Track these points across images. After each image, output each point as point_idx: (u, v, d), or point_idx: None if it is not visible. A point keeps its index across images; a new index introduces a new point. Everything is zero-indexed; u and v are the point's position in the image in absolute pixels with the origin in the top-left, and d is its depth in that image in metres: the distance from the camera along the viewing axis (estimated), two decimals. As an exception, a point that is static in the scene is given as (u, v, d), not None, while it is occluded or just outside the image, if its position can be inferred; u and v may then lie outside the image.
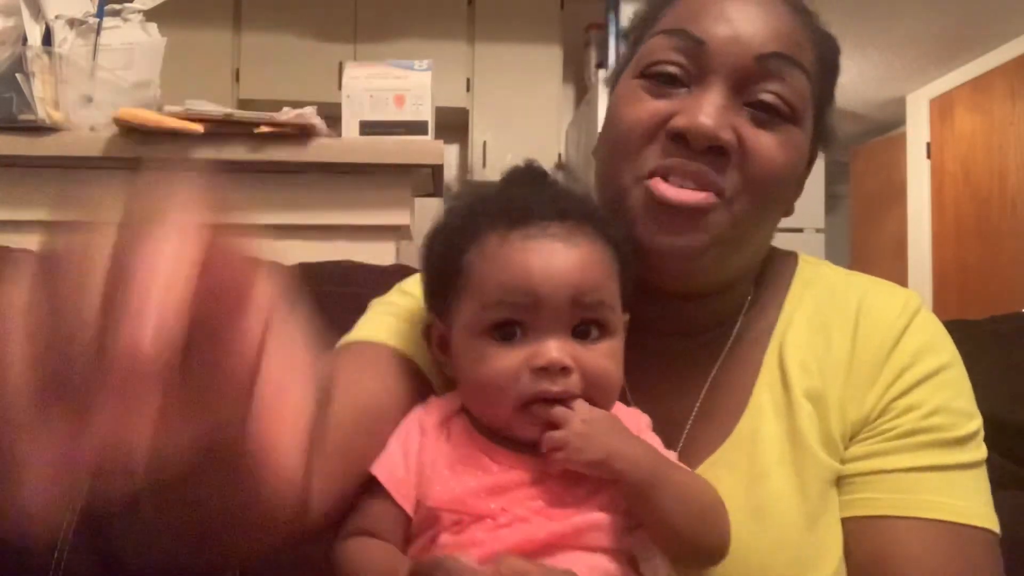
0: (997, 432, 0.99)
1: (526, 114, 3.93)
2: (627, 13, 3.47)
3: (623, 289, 0.60)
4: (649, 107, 0.62)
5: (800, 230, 3.15)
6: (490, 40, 4.04)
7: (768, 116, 0.61)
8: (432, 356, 0.63)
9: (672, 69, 0.62)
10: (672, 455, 0.60)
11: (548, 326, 0.56)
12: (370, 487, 0.57)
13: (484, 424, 0.58)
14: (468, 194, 0.63)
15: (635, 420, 0.61)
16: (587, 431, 0.54)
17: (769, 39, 0.61)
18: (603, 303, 0.57)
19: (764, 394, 0.65)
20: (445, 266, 0.60)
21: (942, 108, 4.97)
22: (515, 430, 0.57)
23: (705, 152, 0.59)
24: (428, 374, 0.65)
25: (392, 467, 0.57)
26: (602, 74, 3.57)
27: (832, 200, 3.49)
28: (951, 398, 0.64)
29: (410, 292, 0.72)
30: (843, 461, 0.63)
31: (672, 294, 0.66)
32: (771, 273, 0.71)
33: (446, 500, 0.55)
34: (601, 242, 0.58)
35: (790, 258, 0.73)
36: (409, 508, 0.56)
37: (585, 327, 0.57)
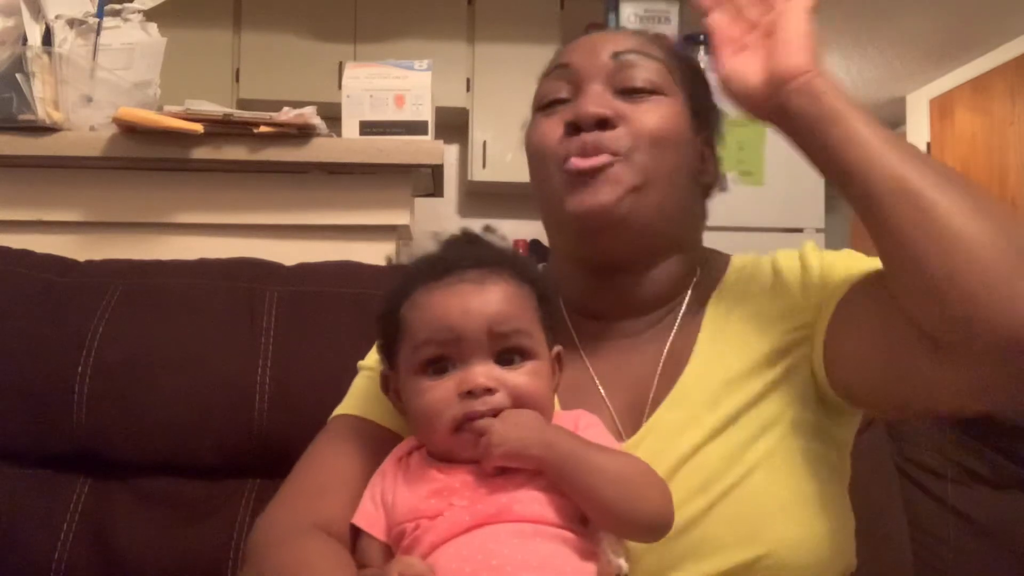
0: (997, 432, 0.99)
1: (526, 114, 3.91)
2: (627, 13, 3.48)
3: (545, 321, 0.69)
4: (548, 123, 0.78)
5: (800, 230, 3.13)
6: (490, 40, 4.04)
7: (637, 93, 0.76)
8: (393, 405, 0.73)
9: (557, 94, 0.79)
10: (618, 444, 0.69)
11: (472, 356, 0.65)
12: (358, 531, 0.67)
13: (433, 453, 0.67)
14: (405, 266, 0.74)
15: (572, 420, 0.69)
16: (505, 429, 0.62)
17: (619, 43, 0.79)
18: (518, 331, 0.66)
19: (704, 344, 0.76)
20: (387, 323, 0.70)
21: (942, 108, 4.97)
22: (456, 452, 0.65)
23: (594, 128, 0.74)
24: (405, 434, 0.74)
25: (363, 511, 0.67)
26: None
27: (832, 200, 3.48)
28: (849, 255, 0.77)
29: None
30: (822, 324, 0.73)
31: (621, 265, 0.77)
32: (709, 267, 0.83)
33: (405, 511, 0.64)
34: (515, 282, 0.68)
35: (725, 255, 0.85)
36: (383, 536, 0.65)
37: (507, 355, 0.66)
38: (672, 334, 0.78)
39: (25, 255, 1.10)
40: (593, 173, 0.73)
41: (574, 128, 0.75)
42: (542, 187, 0.78)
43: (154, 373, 0.99)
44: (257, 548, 0.69)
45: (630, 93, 0.76)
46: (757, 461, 0.69)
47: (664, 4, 3.46)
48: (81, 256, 1.13)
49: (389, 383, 0.72)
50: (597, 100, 0.75)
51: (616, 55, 0.77)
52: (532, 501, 0.62)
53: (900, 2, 3.97)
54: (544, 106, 0.80)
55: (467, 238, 0.73)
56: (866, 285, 0.69)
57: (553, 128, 0.77)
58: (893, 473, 1.02)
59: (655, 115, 0.76)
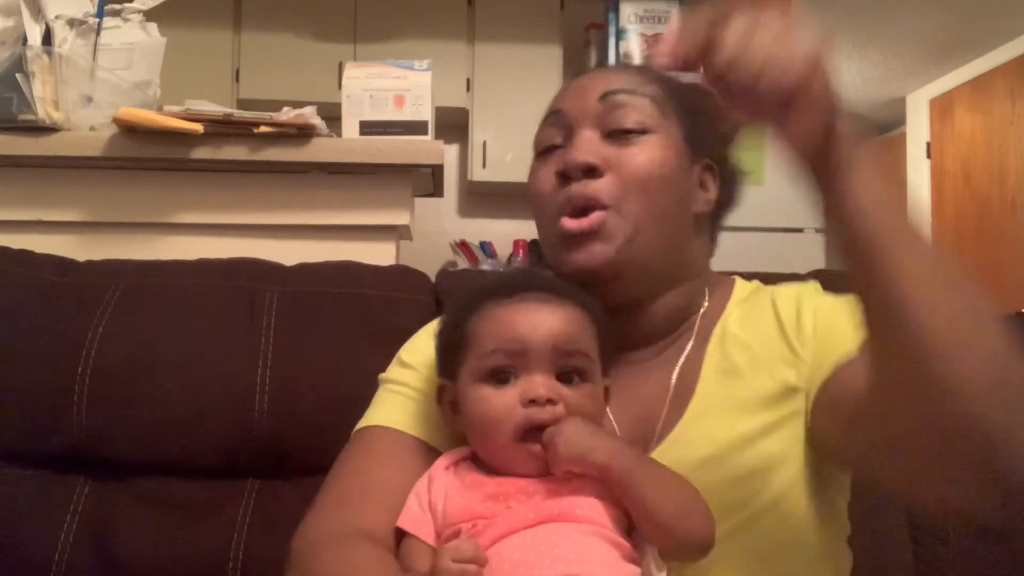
0: (997, 432, 0.99)
1: (526, 114, 3.88)
2: (627, 13, 3.48)
3: (601, 351, 0.71)
4: (544, 171, 0.80)
5: (800, 230, 3.13)
6: (490, 40, 4.03)
7: (626, 135, 0.77)
8: (443, 416, 0.74)
9: (552, 141, 0.81)
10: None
11: (535, 368, 0.67)
12: (403, 535, 0.68)
13: (488, 464, 0.69)
14: (472, 284, 0.77)
15: None
16: (573, 433, 0.64)
17: (609, 83, 0.79)
18: (580, 351, 0.69)
19: (709, 368, 0.76)
20: (453, 335, 0.73)
21: (942, 108, 4.97)
22: (514, 464, 0.67)
23: (581, 177, 0.76)
24: (437, 447, 0.76)
25: (410, 514, 0.68)
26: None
27: (832, 200, 3.48)
28: (844, 314, 0.73)
29: (409, 364, 0.83)
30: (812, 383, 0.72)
31: (623, 304, 0.77)
32: (717, 294, 0.83)
33: (460, 512, 0.65)
34: (579, 308, 0.71)
35: (729, 279, 0.86)
36: (431, 539, 0.67)
37: (567, 373, 0.68)
38: (682, 360, 0.78)
39: (25, 255, 1.10)
40: (584, 234, 0.75)
41: (564, 177, 0.77)
42: (541, 233, 0.81)
43: (154, 373, 0.99)
44: (301, 553, 0.70)
45: (619, 135, 0.77)
46: (764, 505, 0.69)
47: (664, 4, 3.46)
48: (81, 256, 1.13)
49: (444, 394, 0.74)
50: (585, 148, 0.77)
51: (604, 96, 0.78)
52: (590, 507, 0.64)
53: (900, 2, 3.96)
54: (541, 152, 0.82)
55: (527, 269, 0.77)
56: (851, 371, 0.66)
57: (548, 176, 0.79)
58: (893, 473, 1.01)
59: (643, 157, 0.76)
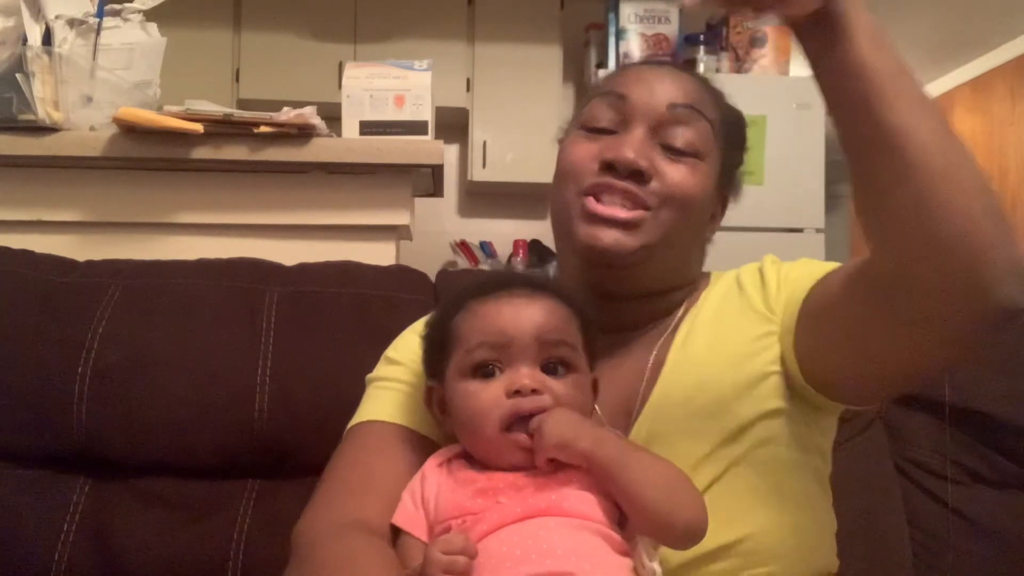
0: (997, 432, 0.99)
1: (526, 114, 3.91)
2: (627, 13, 3.47)
3: (586, 345, 0.73)
4: (587, 147, 0.80)
5: (800, 230, 3.12)
6: (490, 40, 4.03)
7: (677, 153, 0.78)
8: (433, 417, 0.75)
9: (604, 122, 0.80)
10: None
11: (520, 361, 0.69)
12: (398, 531, 0.69)
13: (478, 460, 0.70)
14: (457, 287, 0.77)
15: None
16: (556, 421, 0.65)
17: (678, 94, 0.80)
18: (564, 342, 0.70)
19: (676, 351, 0.79)
20: (438, 335, 0.74)
21: (942, 108, 4.97)
22: (501, 454, 0.67)
23: (628, 176, 0.76)
24: (430, 436, 0.78)
25: (404, 511, 0.69)
26: (602, 74, 3.55)
27: (832, 200, 3.48)
28: (806, 263, 0.81)
29: (397, 360, 0.84)
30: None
31: (618, 295, 0.81)
32: (700, 285, 0.87)
33: (450, 508, 0.66)
34: (560, 301, 0.72)
35: (707, 274, 0.89)
36: (424, 536, 0.67)
37: (552, 364, 0.70)
38: (658, 344, 0.81)
39: (25, 255, 1.10)
40: (616, 220, 0.76)
41: (608, 167, 0.77)
42: (559, 203, 0.81)
43: (154, 373, 0.99)
44: (303, 545, 0.70)
45: (673, 150, 0.78)
46: (736, 458, 0.72)
47: (664, 4, 3.46)
48: (81, 256, 1.13)
49: (433, 395, 0.74)
50: (640, 149, 0.77)
51: (673, 106, 0.79)
52: (578, 500, 0.64)
53: (900, 2, 3.97)
54: (588, 128, 0.82)
55: (509, 270, 0.78)
56: (826, 282, 0.73)
57: (590, 155, 0.79)
58: (893, 473, 1.02)
59: (689, 179, 0.78)
